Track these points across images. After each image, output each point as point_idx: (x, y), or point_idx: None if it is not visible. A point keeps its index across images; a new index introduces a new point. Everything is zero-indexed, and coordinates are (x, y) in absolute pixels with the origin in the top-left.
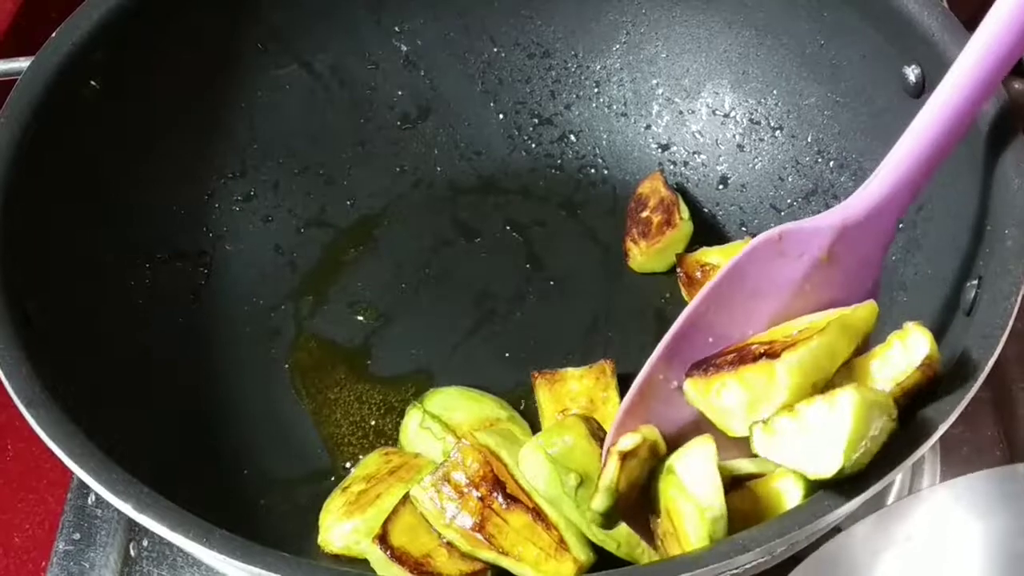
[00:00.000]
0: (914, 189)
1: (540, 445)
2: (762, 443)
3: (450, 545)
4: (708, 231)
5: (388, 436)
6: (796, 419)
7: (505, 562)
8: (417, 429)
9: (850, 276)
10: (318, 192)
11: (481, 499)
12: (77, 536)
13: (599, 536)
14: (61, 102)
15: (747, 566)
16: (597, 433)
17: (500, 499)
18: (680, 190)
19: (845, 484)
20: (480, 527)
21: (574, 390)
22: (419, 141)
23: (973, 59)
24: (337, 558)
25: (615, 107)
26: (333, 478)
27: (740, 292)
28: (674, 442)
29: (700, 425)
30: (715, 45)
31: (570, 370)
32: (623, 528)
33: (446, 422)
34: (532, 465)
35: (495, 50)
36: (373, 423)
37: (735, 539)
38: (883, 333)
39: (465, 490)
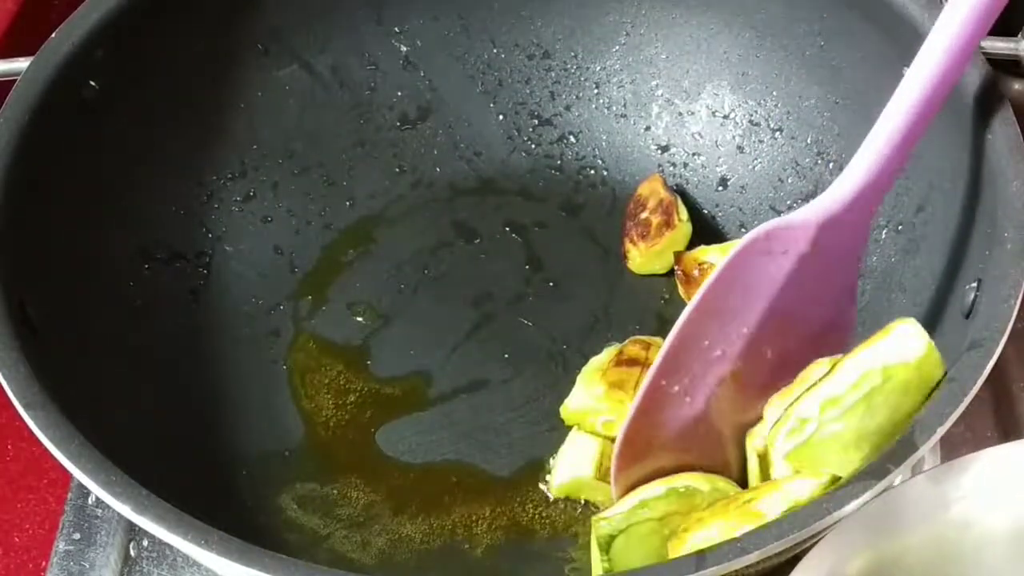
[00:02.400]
0: (892, 173)
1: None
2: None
3: None
4: (708, 232)
5: (387, 437)
6: None
7: None
8: None
9: (835, 265)
10: (317, 193)
11: None
12: (77, 536)
13: None
14: (61, 103)
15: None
16: None
17: None
18: (680, 191)
19: (845, 486)
20: None
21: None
22: (419, 142)
23: (943, 36)
24: None
25: (615, 108)
26: (332, 478)
27: (732, 294)
28: (680, 443)
29: (706, 425)
30: (715, 46)
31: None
32: None
33: None
34: None
35: (495, 51)
36: (373, 423)
37: (735, 540)
38: None
39: None
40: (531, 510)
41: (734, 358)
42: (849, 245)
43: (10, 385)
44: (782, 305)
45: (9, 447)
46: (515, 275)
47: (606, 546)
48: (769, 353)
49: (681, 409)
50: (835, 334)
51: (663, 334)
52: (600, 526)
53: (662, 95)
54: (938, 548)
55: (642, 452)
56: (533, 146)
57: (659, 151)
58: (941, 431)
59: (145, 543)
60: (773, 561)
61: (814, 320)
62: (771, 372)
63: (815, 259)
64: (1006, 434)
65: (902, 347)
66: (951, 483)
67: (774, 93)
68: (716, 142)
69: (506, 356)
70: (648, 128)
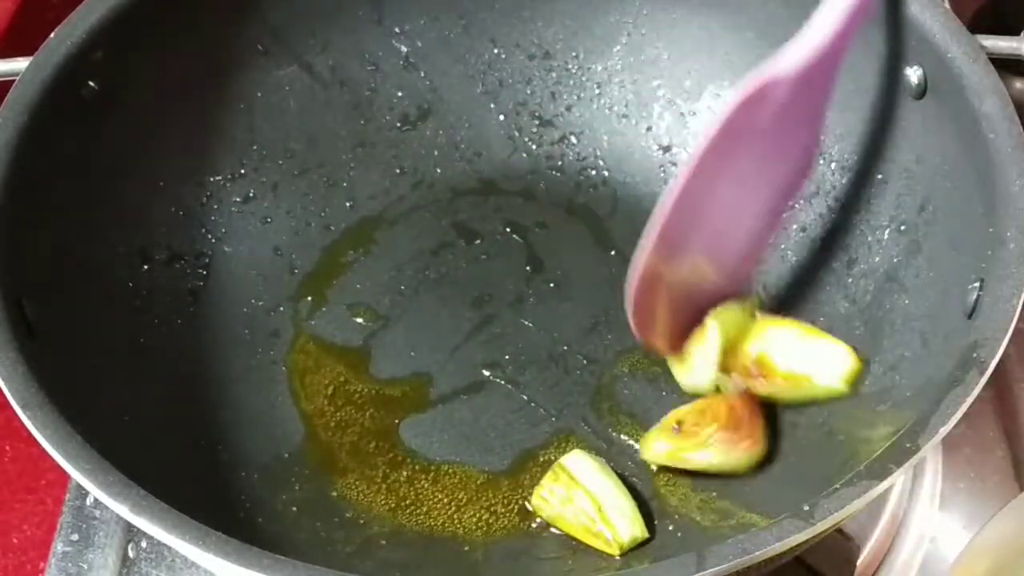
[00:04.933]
0: (856, 22)
1: None
2: None
3: None
4: None
5: (387, 438)
6: None
7: None
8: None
9: (800, 126)
10: (317, 193)
11: None
12: (75, 537)
13: None
14: (59, 103)
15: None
16: None
17: None
18: None
19: (846, 487)
20: None
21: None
22: (419, 142)
23: None
24: None
25: (616, 108)
26: (332, 479)
27: (731, 142)
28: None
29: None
30: (717, 47)
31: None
32: None
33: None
34: None
35: (496, 51)
36: (372, 425)
37: (736, 541)
38: (885, 335)
39: None
40: (531, 511)
41: (731, 201)
42: (814, 105)
43: (8, 385)
44: (764, 152)
45: (7, 448)
46: (516, 276)
47: None
48: (751, 196)
49: (688, 244)
50: (799, 176)
51: None
52: None
53: (664, 95)
54: None
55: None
56: (534, 147)
57: (661, 151)
58: (944, 431)
59: (143, 544)
60: (775, 562)
61: (786, 165)
62: (750, 216)
63: (788, 116)
64: (1008, 434)
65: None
66: None
67: None
68: None
69: (507, 357)
70: (650, 128)
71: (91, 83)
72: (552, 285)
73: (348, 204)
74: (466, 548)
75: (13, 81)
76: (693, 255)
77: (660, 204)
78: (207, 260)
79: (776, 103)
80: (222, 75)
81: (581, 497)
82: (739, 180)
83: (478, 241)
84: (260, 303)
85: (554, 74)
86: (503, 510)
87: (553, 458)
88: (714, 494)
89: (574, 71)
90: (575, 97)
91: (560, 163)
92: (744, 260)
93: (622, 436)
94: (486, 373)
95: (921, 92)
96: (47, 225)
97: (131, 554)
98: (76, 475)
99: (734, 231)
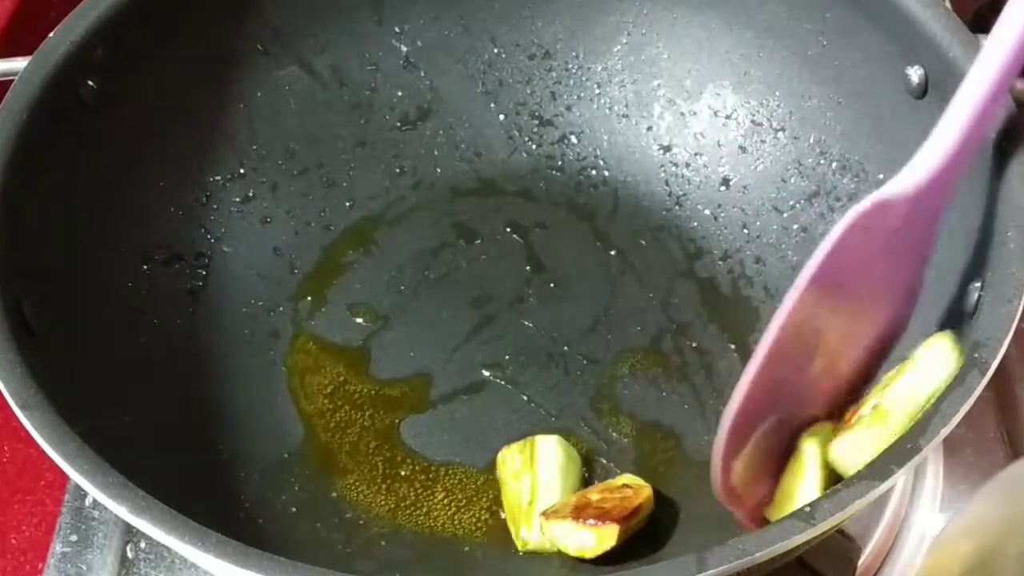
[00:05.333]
0: (971, 152)
1: None
2: None
3: None
4: (709, 233)
5: (387, 438)
6: None
7: None
8: None
9: (914, 247)
10: (317, 193)
11: None
12: (74, 538)
13: None
14: (59, 102)
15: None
16: None
17: None
18: (681, 192)
19: (847, 487)
20: None
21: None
22: (419, 142)
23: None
24: None
25: (616, 108)
26: (332, 480)
27: (838, 271)
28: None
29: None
30: (717, 46)
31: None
32: None
33: None
34: None
35: (496, 51)
36: (372, 425)
37: (736, 542)
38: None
39: None
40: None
41: (825, 336)
42: (927, 226)
43: (7, 386)
44: (867, 283)
45: (5, 448)
46: (516, 276)
47: None
48: (846, 330)
49: (780, 391)
50: (897, 323)
51: (662, 336)
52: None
53: (664, 95)
54: None
55: (747, 434)
56: (534, 146)
57: (661, 151)
58: (944, 432)
59: (143, 545)
60: (775, 563)
61: (885, 303)
62: (842, 355)
63: (901, 239)
64: (1009, 434)
65: (940, 366)
66: None
67: (776, 93)
68: (718, 142)
69: (507, 357)
70: (650, 128)
71: (91, 82)
72: (552, 285)
73: (348, 204)
74: (466, 548)
75: (12, 81)
76: (786, 403)
77: (756, 351)
78: (207, 260)
79: (888, 229)
80: (222, 75)
81: (527, 481)
82: (842, 318)
83: (478, 241)
84: (260, 303)
85: (554, 74)
86: (503, 509)
87: None
88: None
89: (574, 71)
90: (575, 97)
91: (560, 163)
92: (841, 396)
93: (622, 436)
94: (486, 373)
95: (921, 92)
96: (46, 225)
97: (130, 555)
98: (75, 476)
99: (832, 373)
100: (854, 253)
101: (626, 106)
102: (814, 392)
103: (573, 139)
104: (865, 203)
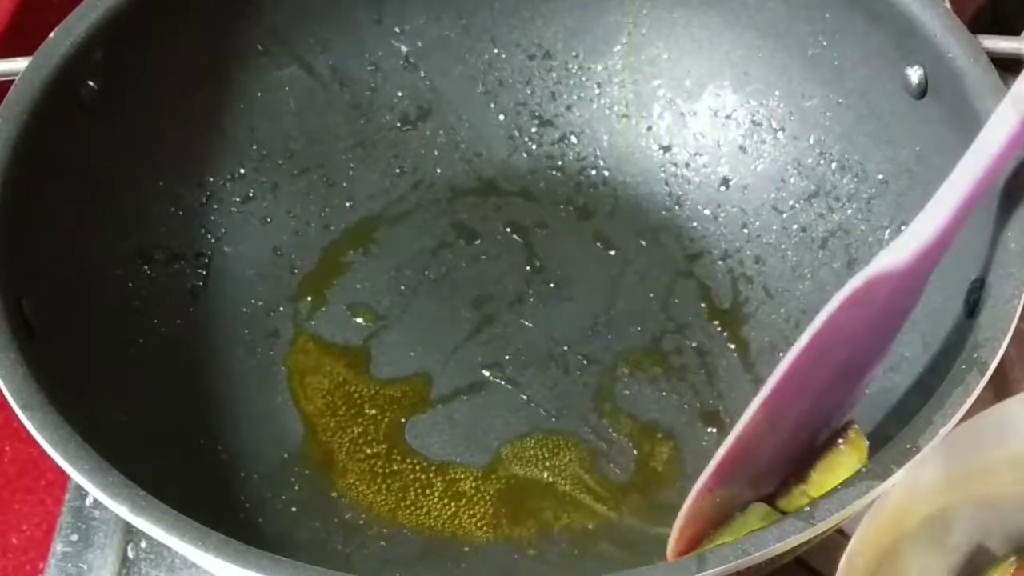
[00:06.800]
0: (955, 231)
1: None
2: None
3: None
4: (709, 233)
5: (387, 438)
6: None
7: None
8: None
9: (902, 311)
10: (317, 193)
11: None
12: (75, 537)
13: None
14: (59, 103)
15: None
16: None
17: None
18: (681, 192)
19: (846, 487)
20: None
21: None
22: (419, 142)
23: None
24: None
25: (616, 108)
26: (332, 479)
27: (827, 346)
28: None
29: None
30: (717, 46)
31: None
32: None
33: None
34: None
35: (496, 51)
36: (372, 425)
37: (736, 542)
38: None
39: None
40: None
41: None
42: (907, 303)
43: (7, 385)
44: (850, 355)
45: (6, 448)
46: (516, 276)
47: None
48: (820, 398)
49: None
50: (859, 389)
51: (662, 336)
52: None
53: (664, 95)
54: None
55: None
56: (534, 146)
57: (661, 151)
58: (944, 432)
59: (143, 545)
60: (776, 562)
61: (858, 371)
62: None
63: (893, 304)
64: None
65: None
66: None
67: (776, 93)
68: (718, 142)
69: (507, 357)
70: (650, 128)
71: (91, 83)
72: (552, 285)
73: (348, 204)
74: (466, 548)
75: (12, 81)
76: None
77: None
78: (207, 260)
79: (880, 303)
80: (222, 75)
81: None
82: (823, 388)
83: (478, 241)
84: (260, 303)
85: (554, 74)
86: (503, 510)
87: None
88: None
89: (574, 71)
90: (575, 97)
91: (560, 163)
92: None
93: (622, 436)
94: (486, 373)
95: (921, 92)
96: (47, 225)
97: (130, 554)
98: (75, 475)
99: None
100: (843, 329)
101: (626, 106)
102: (775, 465)
103: (573, 139)
104: (856, 281)
